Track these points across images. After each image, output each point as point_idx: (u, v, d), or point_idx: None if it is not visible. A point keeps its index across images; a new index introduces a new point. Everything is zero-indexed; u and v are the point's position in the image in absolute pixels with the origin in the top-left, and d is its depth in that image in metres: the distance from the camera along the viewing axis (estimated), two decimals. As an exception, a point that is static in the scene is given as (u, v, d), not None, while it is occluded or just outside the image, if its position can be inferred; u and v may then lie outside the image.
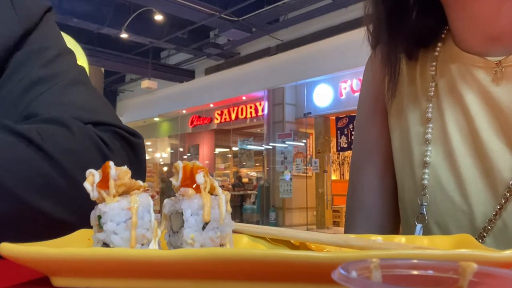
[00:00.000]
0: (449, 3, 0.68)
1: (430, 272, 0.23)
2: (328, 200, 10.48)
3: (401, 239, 0.49)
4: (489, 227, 0.62)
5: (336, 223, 10.29)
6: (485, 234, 0.63)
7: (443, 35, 0.73)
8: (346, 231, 0.81)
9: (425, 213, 0.68)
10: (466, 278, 0.22)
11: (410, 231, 0.70)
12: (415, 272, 0.23)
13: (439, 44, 0.73)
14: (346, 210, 0.84)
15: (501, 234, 0.62)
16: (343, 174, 12.27)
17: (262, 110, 11.38)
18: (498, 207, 0.62)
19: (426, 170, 0.69)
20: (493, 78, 0.64)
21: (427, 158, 0.69)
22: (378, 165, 0.79)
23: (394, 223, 0.79)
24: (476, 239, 0.56)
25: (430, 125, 0.70)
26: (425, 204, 0.68)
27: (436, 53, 0.72)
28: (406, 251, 0.35)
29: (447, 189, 0.66)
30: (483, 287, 0.22)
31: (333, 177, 11.41)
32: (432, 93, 0.71)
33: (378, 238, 0.48)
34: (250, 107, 11.85)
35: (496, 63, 0.64)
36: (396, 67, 0.74)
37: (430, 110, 0.70)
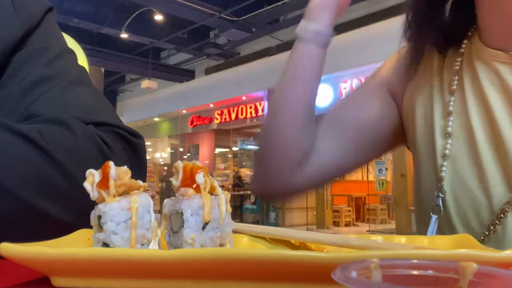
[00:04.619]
0: (483, 2, 0.70)
1: (430, 272, 0.23)
2: (328, 200, 10.45)
3: (401, 239, 0.49)
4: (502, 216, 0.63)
5: (336, 223, 10.27)
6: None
7: (469, 33, 0.75)
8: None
9: (440, 204, 0.69)
10: (466, 278, 0.22)
11: (425, 222, 0.71)
12: (415, 272, 0.23)
13: (465, 41, 0.75)
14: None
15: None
16: (343, 174, 12.26)
17: (262, 110, 11.36)
18: None
19: (445, 163, 0.70)
20: None
21: (447, 151, 0.70)
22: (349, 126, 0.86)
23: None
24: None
25: (451, 118, 0.71)
26: (441, 195, 0.69)
27: (462, 50, 0.74)
28: (406, 251, 0.35)
29: (467, 182, 0.67)
30: (483, 287, 0.22)
31: (333, 177, 11.38)
32: (455, 86, 0.72)
33: (378, 238, 0.48)
34: (250, 107, 11.84)
35: None
36: (419, 57, 0.77)
37: (452, 103, 0.71)
